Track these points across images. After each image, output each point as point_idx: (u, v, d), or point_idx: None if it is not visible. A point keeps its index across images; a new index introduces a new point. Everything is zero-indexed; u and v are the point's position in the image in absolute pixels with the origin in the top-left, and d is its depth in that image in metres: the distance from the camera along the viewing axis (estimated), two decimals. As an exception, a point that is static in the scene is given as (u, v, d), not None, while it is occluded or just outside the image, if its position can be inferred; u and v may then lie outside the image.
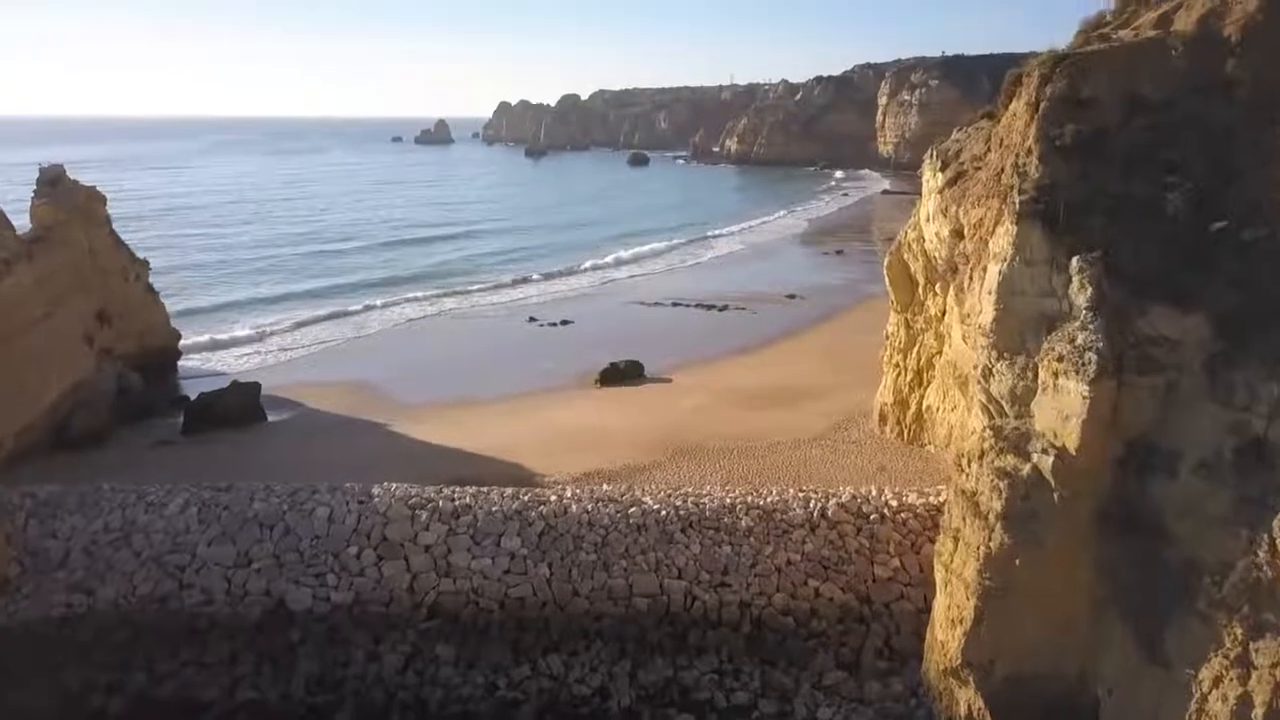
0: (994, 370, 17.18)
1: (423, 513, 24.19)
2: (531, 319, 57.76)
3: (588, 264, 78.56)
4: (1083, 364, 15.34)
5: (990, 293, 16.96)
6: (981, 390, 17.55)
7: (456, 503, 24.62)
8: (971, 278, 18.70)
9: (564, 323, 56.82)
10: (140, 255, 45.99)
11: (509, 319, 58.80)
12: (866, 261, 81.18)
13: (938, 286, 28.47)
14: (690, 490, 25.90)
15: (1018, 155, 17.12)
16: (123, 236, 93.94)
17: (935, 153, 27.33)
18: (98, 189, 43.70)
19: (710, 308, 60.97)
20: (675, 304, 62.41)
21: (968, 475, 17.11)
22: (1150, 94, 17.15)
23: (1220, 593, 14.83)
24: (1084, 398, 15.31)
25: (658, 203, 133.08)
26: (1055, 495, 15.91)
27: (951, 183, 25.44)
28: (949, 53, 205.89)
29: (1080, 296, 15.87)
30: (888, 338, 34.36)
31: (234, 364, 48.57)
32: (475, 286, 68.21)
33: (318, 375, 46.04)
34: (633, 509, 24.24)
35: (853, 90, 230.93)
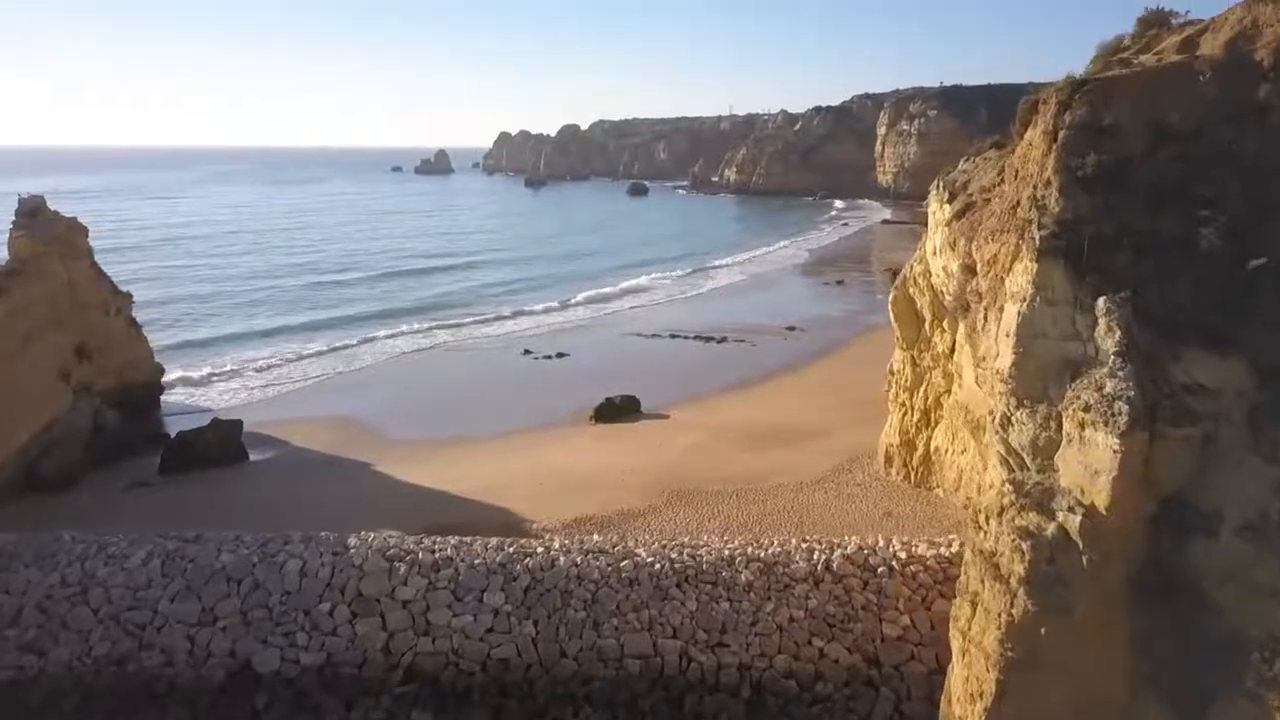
0: (1013, 419, 15.84)
1: (401, 565, 22.69)
2: (526, 351, 56.47)
3: (585, 295, 77.46)
4: (1112, 414, 13.99)
5: (1008, 335, 15.67)
6: (1000, 441, 16.20)
7: (437, 554, 23.14)
8: (986, 318, 17.44)
9: (559, 355, 55.53)
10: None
11: (504, 351, 57.51)
12: (867, 292, 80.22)
13: (945, 323, 27.21)
14: (686, 540, 24.42)
15: (1035, 187, 15.92)
16: (119, 267, 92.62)
17: (942, 184, 26.16)
18: (79, 220, 42.57)
19: (709, 339, 59.72)
20: (673, 336, 61.16)
21: (986, 534, 15.69)
22: (1177, 122, 15.98)
23: (1271, 670, 13.41)
24: (1114, 451, 13.94)
25: (657, 233, 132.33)
26: (1083, 558, 14.49)
27: (960, 215, 24.24)
28: (947, 83, 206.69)
29: (1108, 340, 14.57)
30: (893, 375, 33.03)
31: (220, 400, 47.20)
32: (470, 319, 66.91)
33: (305, 410, 44.68)
34: (625, 562, 22.75)
35: (851, 120, 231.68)
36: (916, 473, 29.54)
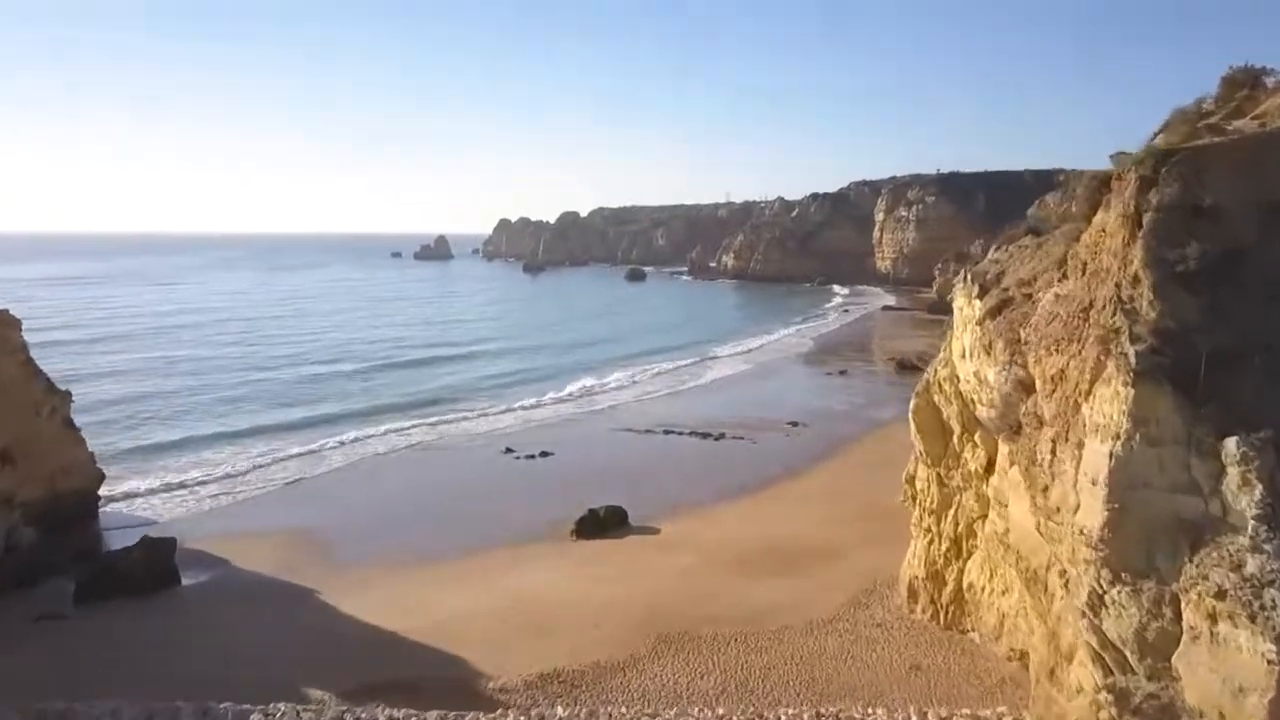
0: (1108, 600, 11.65)
1: (312, 753, 18.06)
2: (508, 450, 52.15)
3: (578, 386, 73.43)
4: (1261, 607, 9.80)
5: (1095, 484, 11.64)
6: (1089, 627, 11.98)
7: (360, 736, 18.52)
8: (1055, 452, 13.50)
9: (543, 454, 51.19)
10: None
11: (485, 449, 53.16)
12: (871, 383, 76.41)
13: (978, 436, 23.11)
14: (673, 716, 19.74)
15: (1119, 285, 12.15)
16: (99, 358, 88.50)
17: (970, 276, 22.48)
18: (9, 313, 38.76)
19: (706, 436, 55.48)
20: (668, 431, 56.91)
21: (1077, 760, 11.27)
22: (1298, 201, 12.25)
23: None
24: (1269, 662, 9.68)
25: (655, 320, 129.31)
26: (1229, 813, 10.06)
27: (995, 312, 20.43)
28: (944, 170, 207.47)
29: (1243, 497, 10.50)
30: (911, 486, 28.81)
31: (166, 510, 42.60)
32: (454, 415, 62.37)
33: (256, 522, 40.15)
34: (594, 748, 18.11)
35: (849, 207, 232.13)
36: (947, 612, 24.97)
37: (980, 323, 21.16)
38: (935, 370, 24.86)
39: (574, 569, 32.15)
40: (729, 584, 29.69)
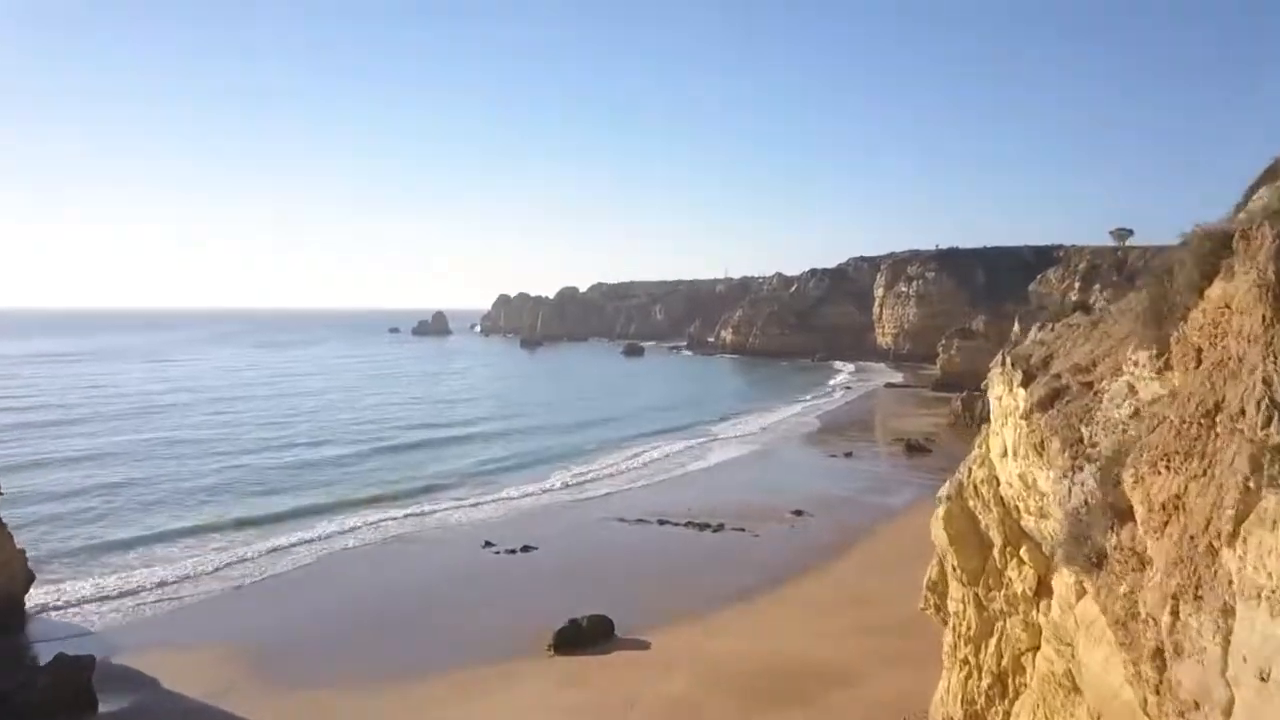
0: None
1: None
2: (488, 544, 47.89)
3: (568, 471, 69.31)
4: None
5: (1264, 679, 7.92)
6: None
7: None
8: (1178, 614, 9.88)
9: (525, 549, 46.92)
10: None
11: (464, 543, 48.88)
12: (878, 465, 72.45)
13: (1024, 551, 19.25)
14: None
15: (1267, 383, 8.63)
16: (76, 440, 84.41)
17: (1011, 359, 19.01)
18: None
19: (704, 527, 51.29)
20: (662, 522, 52.71)
21: None
22: None
23: None
24: None
25: (652, 397, 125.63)
26: None
27: (1045, 404, 16.85)
28: (942, 246, 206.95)
29: None
30: (940, 607, 24.73)
31: (102, 618, 38.15)
32: (433, 506, 57.54)
33: (196, 633, 35.77)
34: None
35: (848, 282, 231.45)
36: (992, 763, 20.65)
37: (1027, 416, 17.53)
38: (969, 470, 21.11)
39: (547, 696, 27.76)
40: (728, 718, 25.36)
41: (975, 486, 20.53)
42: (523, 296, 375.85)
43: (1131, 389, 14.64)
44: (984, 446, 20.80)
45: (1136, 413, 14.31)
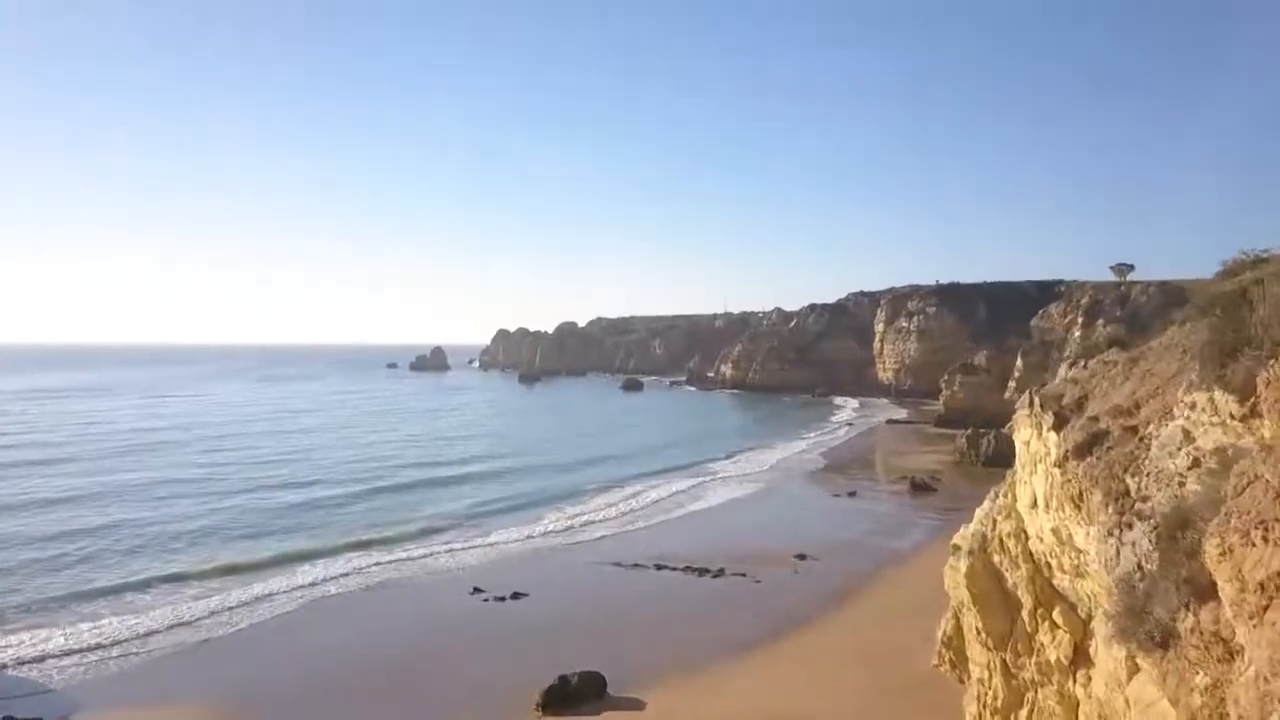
0: None
1: None
2: (476, 590, 45.68)
3: (563, 511, 67.16)
4: None
5: None
6: None
7: None
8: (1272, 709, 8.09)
9: (515, 596, 44.70)
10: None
11: (451, 588, 46.64)
12: (883, 505, 70.23)
13: (1058, 613, 17.36)
14: None
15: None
16: (61, 481, 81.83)
17: (1040, 400, 17.23)
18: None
19: (703, 572, 49.09)
20: (660, 566, 50.53)
21: None
22: None
23: None
24: None
25: (651, 433, 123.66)
26: None
27: (1082, 450, 15.10)
28: (943, 280, 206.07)
29: None
30: (954, 663, 22.80)
31: (64, 674, 35.83)
32: (423, 550, 55.12)
33: (164, 690, 33.53)
34: None
35: (847, 317, 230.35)
36: None
37: (1061, 464, 15.75)
38: (994, 522, 19.24)
39: (534, 766, 25.57)
40: (730, 792, 23.20)
41: (1001, 540, 18.68)
42: (522, 331, 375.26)
43: (1188, 436, 12.85)
44: (1009, 495, 18.97)
45: (1196, 463, 12.52)
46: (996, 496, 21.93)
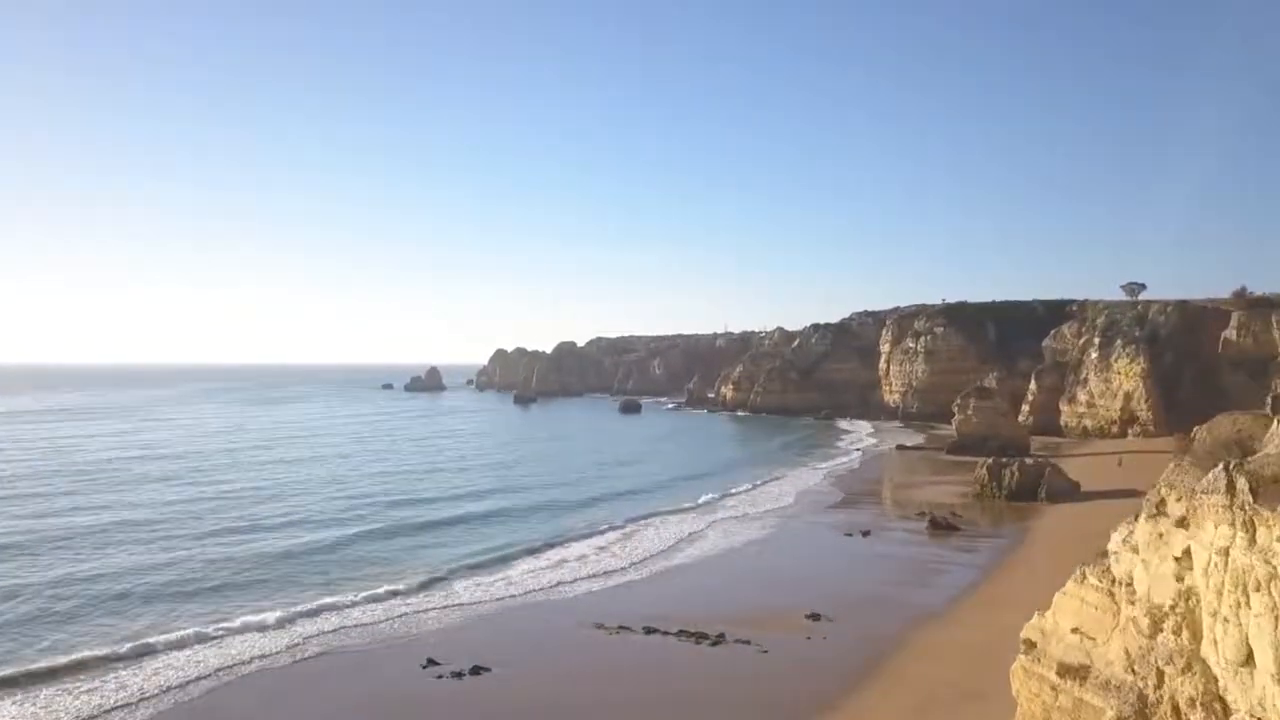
0: None
1: None
2: (431, 662, 38.34)
3: (539, 558, 59.84)
4: None
5: None
6: None
7: None
8: None
9: (475, 671, 37.34)
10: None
11: (401, 660, 39.17)
12: (902, 547, 62.90)
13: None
14: None
15: None
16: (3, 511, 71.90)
17: (1250, 483, 10.23)
18: None
19: (700, 638, 41.78)
20: (649, 630, 43.22)
21: None
22: None
23: None
24: None
25: (647, 463, 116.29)
26: None
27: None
28: (949, 300, 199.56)
29: None
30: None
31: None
32: (376, 609, 47.55)
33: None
34: None
35: (851, 337, 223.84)
36: None
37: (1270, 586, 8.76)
38: (1157, 673, 12.15)
39: None
40: None
41: (1176, 707, 11.59)
42: (519, 351, 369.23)
43: None
44: (1180, 635, 11.91)
45: None
46: (1110, 590, 14.98)
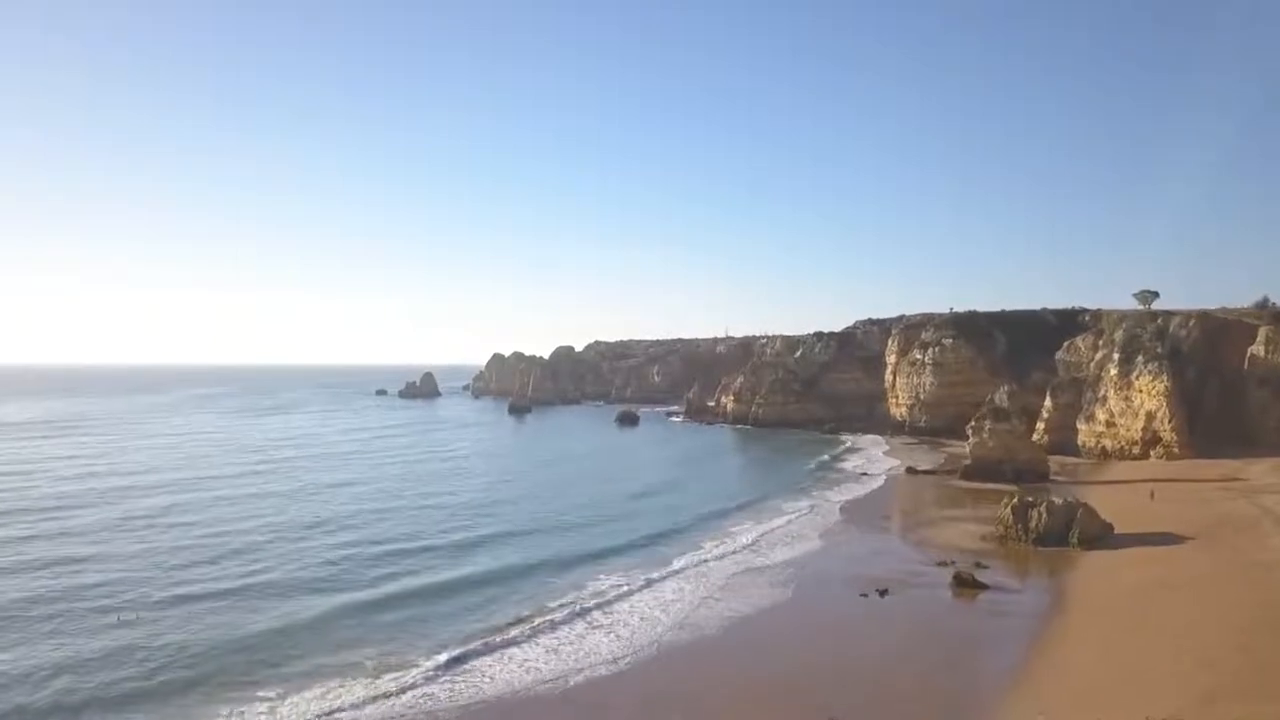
0: None
1: None
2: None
3: (525, 623, 52.47)
4: None
5: None
6: None
7: None
8: None
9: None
10: None
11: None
12: (925, 611, 55.78)
13: None
14: None
15: None
16: None
17: None
18: None
19: (696, 758, 35.00)
20: (636, 745, 36.45)
21: None
22: None
23: None
24: None
25: (643, 493, 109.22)
26: None
27: None
28: (957, 307, 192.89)
29: None
30: None
31: None
32: (319, 695, 41.43)
33: None
34: None
35: (855, 347, 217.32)
36: None
37: None
38: None
39: None
40: None
41: None
42: (517, 356, 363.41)
43: None
44: None
45: None
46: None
